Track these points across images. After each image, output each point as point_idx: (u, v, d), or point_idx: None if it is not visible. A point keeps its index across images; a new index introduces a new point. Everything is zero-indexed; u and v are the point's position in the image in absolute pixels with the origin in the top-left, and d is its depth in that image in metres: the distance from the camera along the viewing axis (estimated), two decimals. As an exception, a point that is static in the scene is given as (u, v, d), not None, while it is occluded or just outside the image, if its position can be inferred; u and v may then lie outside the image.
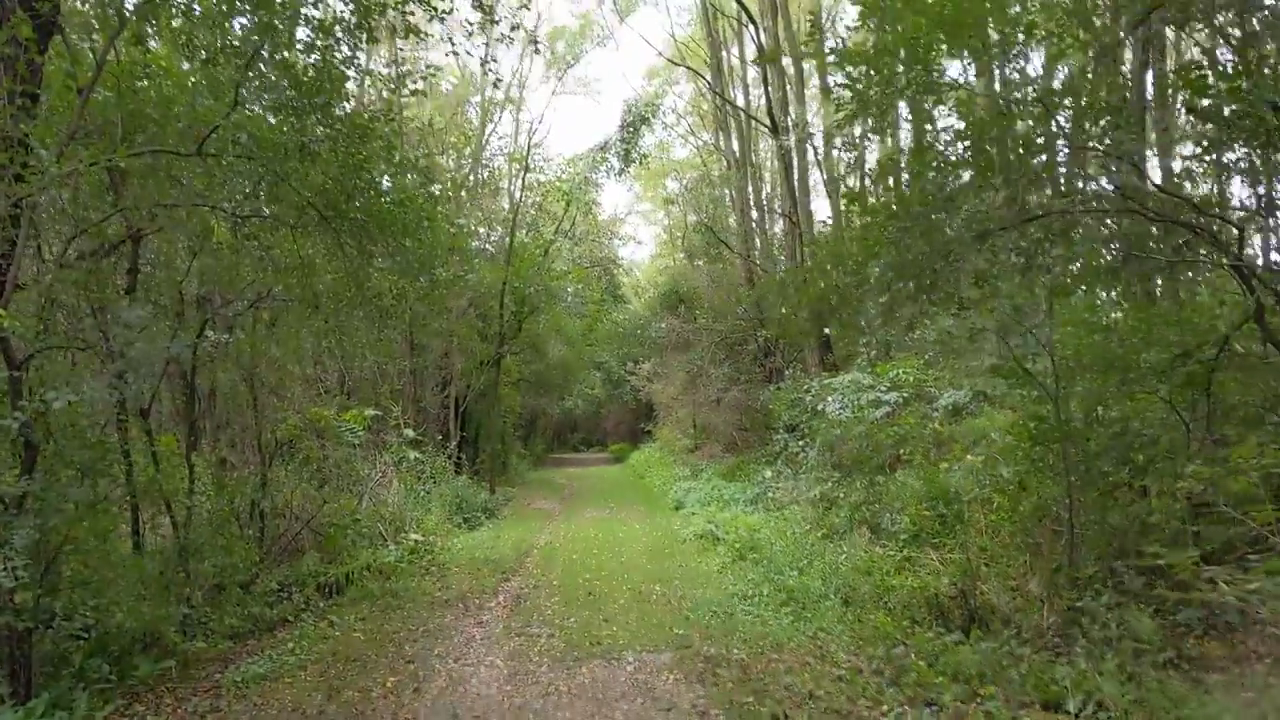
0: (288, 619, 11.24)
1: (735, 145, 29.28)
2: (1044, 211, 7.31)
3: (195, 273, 10.17)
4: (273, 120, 7.78)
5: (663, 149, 45.04)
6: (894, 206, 7.80)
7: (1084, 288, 8.18)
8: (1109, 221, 7.76)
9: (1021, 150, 7.23)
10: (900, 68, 7.54)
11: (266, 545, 13.24)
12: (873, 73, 7.72)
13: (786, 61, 21.81)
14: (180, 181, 7.62)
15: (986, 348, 12.25)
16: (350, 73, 8.45)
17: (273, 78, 7.71)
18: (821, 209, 31.33)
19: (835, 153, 21.47)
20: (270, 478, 14.03)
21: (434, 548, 16.17)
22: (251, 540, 12.70)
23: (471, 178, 27.51)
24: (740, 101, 28.83)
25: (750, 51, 32.20)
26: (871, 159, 24.13)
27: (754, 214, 27.04)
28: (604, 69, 61.62)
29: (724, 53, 29.11)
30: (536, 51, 26.91)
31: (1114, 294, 9.09)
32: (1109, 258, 8.09)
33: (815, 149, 21.93)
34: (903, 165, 8.15)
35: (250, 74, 7.46)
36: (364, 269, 9.69)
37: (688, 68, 27.70)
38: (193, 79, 7.68)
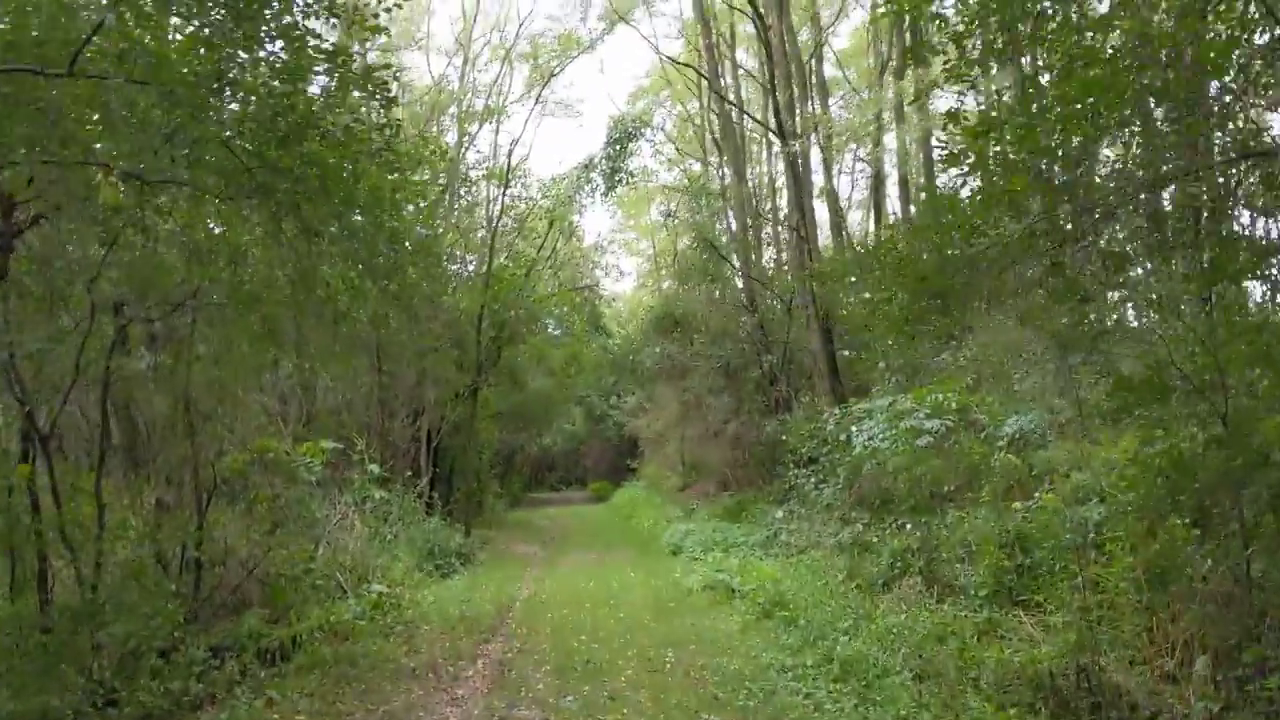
0: (216, 695, 9.07)
1: (726, 163, 27.57)
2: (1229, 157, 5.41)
3: (96, 265, 8.07)
4: (179, 37, 5.80)
5: (646, 175, 43.49)
6: (1016, 155, 5.87)
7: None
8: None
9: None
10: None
11: (200, 601, 11.13)
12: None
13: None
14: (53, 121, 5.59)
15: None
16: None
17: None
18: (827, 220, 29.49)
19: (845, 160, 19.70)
20: (209, 520, 11.99)
21: (401, 601, 13.99)
22: (181, 595, 10.64)
23: (447, 197, 25.51)
24: (735, 112, 27.13)
25: (742, 58, 30.70)
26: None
27: (756, 230, 25.32)
28: (587, 89, 60.24)
29: (721, 56, 27.29)
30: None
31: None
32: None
33: (824, 152, 20.18)
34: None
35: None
36: (308, 255, 7.63)
37: (680, 65, 25.45)
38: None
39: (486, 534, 25.12)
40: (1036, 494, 9.85)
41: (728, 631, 10.83)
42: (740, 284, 23.87)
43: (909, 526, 11.11)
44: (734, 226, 26.66)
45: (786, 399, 20.64)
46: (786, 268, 23.88)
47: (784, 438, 17.86)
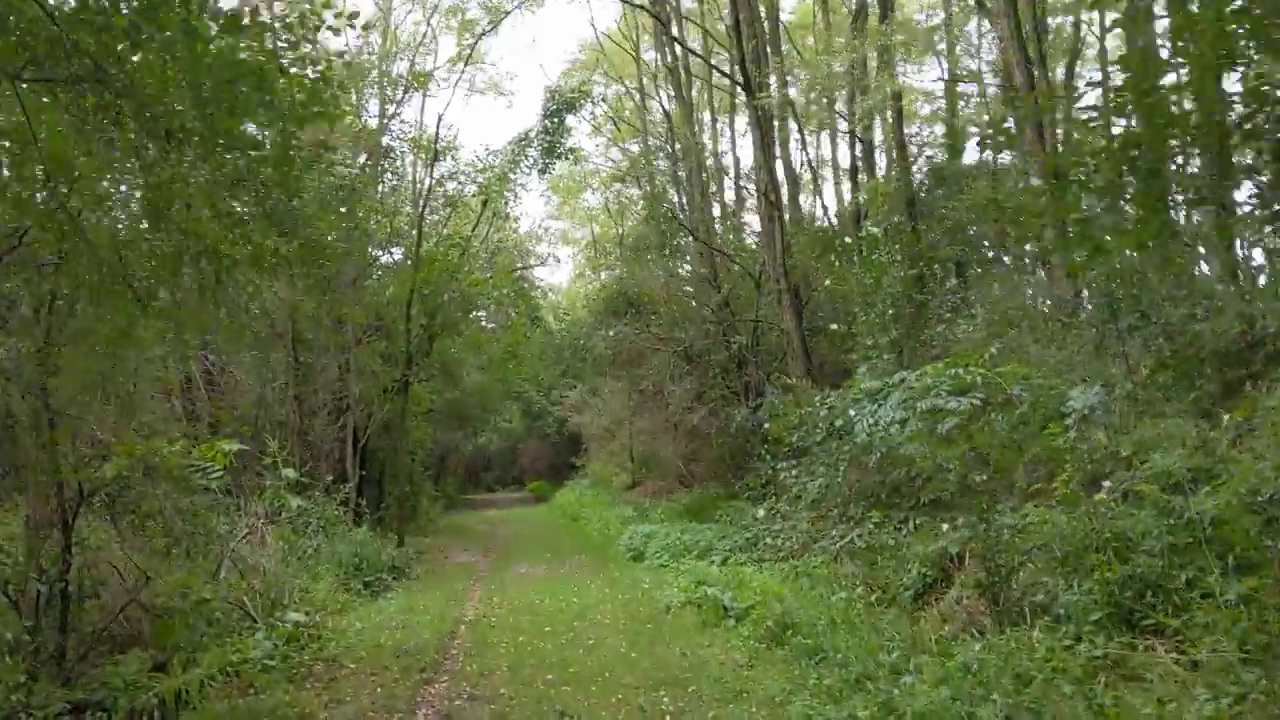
0: (67, 782, 6.76)
1: (678, 127, 25.37)
2: None
3: None
4: None
5: (581, 158, 41.21)
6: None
7: None
8: None
9: None
10: None
11: (59, 645, 8.77)
12: None
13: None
14: None
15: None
16: None
17: None
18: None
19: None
20: (83, 539, 9.70)
21: (323, 630, 11.67)
22: (38, 637, 8.37)
23: (368, 166, 22.97)
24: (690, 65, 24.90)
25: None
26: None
27: (708, 204, 23.24)
28: (518, 66, 57.41)
29: (670, 10, 25.00)
30: None
31: None
32: None
33: (796, 111, 18.23)
34: None
35: None
36: (166, 174, 5.32)
37: (635, 5, 22.82)
38: None
39: (422, 542, 22.72)
40: (1104, 482, 7.97)
41: (731, 665, 8.73)
42: (700, 258, 21.65)
43: (949, 526, 9.10)
44: (686, 200, 24.49)
45: (758, 384, 18.62)
46: (752, 238, 21.84)
47: (764, 426, 15.81)
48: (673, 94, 27.26)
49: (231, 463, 12.41)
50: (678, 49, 24.68)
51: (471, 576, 17.70)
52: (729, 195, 30.38)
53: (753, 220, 29.14)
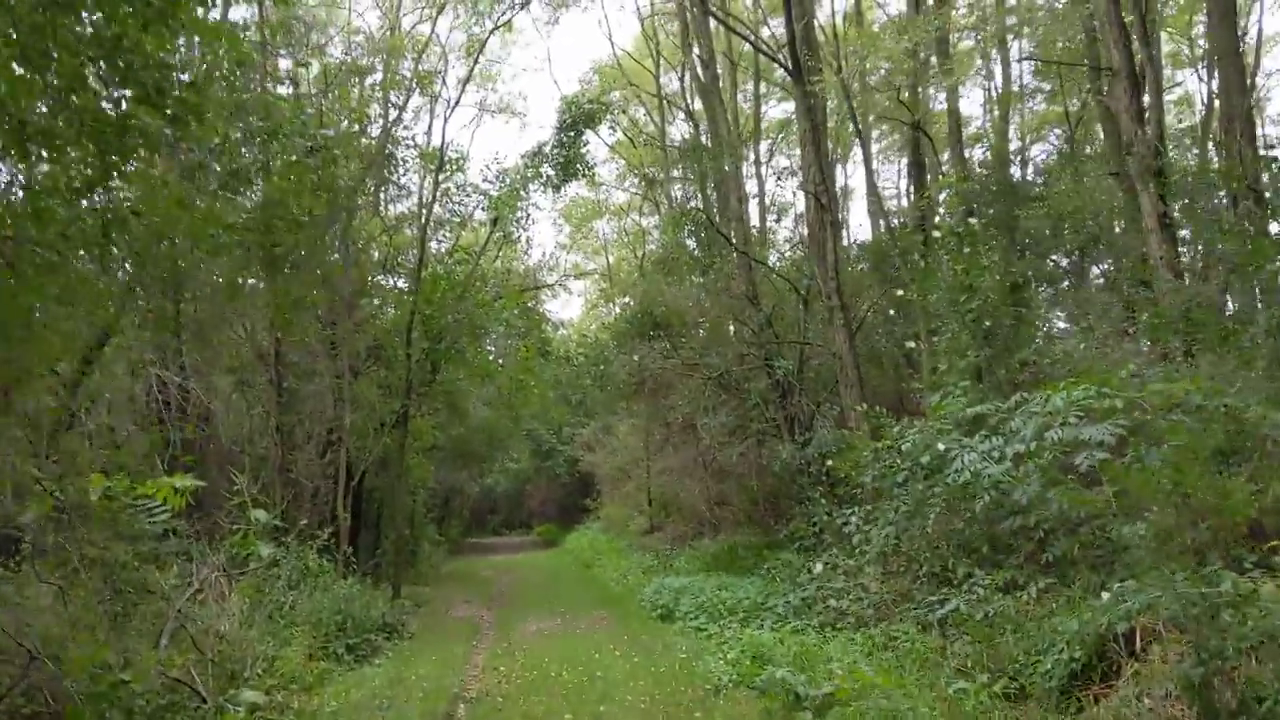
0: None
1: (714, 124, 23.28)
2: None
3: None
4: None
5: (596, 185, 39.34)
6: None
7: None
8: None
9: None
10: None
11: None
12: None
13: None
14: None
15: None
16: None
17: None
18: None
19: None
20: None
21: (287, 713, 9.41)
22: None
23: (370, 183, 20.96)
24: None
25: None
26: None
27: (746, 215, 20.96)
28: (528, 84, 55.75)
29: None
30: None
31: None
32: None
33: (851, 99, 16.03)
34: None
35: None
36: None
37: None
38: None
39: (421, 593, 20.42)
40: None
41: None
42: (737, 273, 19.26)
43: (1112, 595, 6.79)
44: (719, 209, 22.19)
45: (808, 416, 16.31)
46: (795, 247, 19.48)
47: (814, 465, 13.49)
48: (697, 99, 25.30)
49: (186, 503, 10.13)
50: (710, 40, 22.59)
51: (475, 635, 15.39)
52: (752, 218, 28.50)
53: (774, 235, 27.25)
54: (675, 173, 31.40)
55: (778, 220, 28.92)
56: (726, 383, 18.02)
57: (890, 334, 16.42)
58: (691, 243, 19.99)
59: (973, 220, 13.30)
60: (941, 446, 9.86)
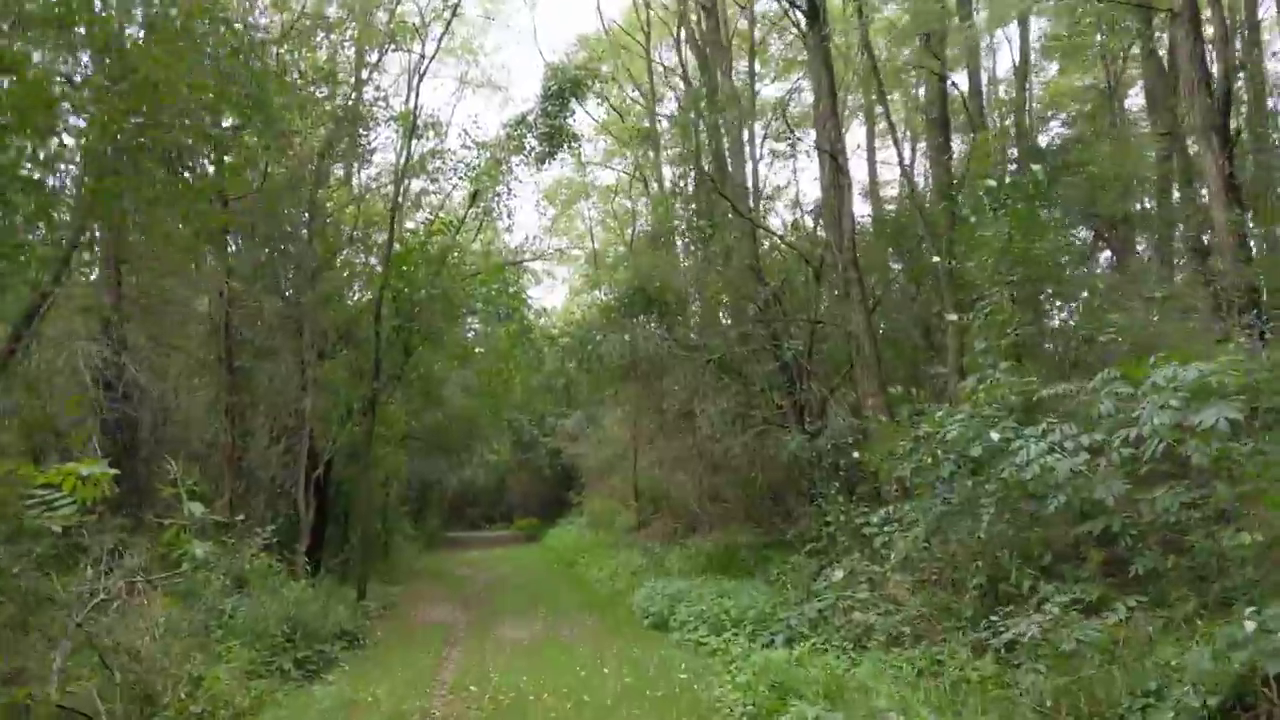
0: None
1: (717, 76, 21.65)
2: None
3: None
4: None
5: (583, 169, 37.69)
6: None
7: None
8: None
9: None
10: None
11: None
12: None
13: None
14: None
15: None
16: None
17: None
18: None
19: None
20: None
21: (213, 747, 7.81)
22: None
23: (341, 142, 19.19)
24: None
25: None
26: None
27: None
28: (512, 57, 53.85)
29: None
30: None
31: None
32: None
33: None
34: None
35: None
36: None
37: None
38: None
39: (390, 592, 18.76)
40: None
41: None
42: (740, 242, 17.43)
43: (1256, 625, 5.26)
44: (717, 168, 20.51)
45: (819, 402, 14.69)
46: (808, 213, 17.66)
47: (849, 456, 11.92)
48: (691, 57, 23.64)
49: (102, 494, 8.39)
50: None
51: (445, 643, 13.78)
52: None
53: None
54: (667, 154, 29.88)
55: (771, 200, 27.51)
56: (728, 366, 16.33)
57: (909, 310, 14.83)
58: (687, 210, 18.20)
59: (1036, 167, 11.63)
60: (995, 436, 8.30)
